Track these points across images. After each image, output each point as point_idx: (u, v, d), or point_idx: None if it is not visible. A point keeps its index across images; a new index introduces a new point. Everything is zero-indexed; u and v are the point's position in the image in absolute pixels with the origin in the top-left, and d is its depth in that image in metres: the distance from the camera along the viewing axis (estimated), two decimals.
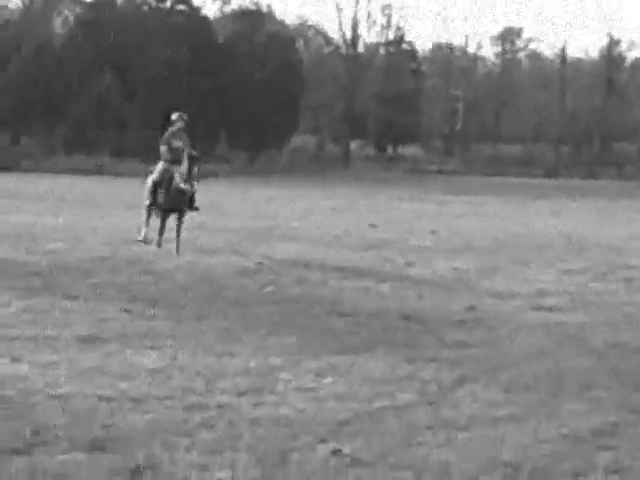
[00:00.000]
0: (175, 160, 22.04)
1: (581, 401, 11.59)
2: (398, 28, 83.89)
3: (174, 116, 23.27)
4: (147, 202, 22.91)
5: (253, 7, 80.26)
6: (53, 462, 8.60)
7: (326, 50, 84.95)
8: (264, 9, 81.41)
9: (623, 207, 47.46)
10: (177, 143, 22.54)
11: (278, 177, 59.59)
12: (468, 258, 24.25)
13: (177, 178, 21.59)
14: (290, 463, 9.10)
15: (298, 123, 79.38)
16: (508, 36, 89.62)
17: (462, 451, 9.54)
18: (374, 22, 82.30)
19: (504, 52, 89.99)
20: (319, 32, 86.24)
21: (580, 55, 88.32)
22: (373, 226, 30.74)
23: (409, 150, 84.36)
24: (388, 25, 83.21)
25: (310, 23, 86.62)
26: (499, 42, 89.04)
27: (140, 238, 23.54)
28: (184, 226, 24.05)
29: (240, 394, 11.45)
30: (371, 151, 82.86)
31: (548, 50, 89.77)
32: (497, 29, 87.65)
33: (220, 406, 10.89)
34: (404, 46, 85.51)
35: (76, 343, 13.62)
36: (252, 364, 12.87)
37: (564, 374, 12.69)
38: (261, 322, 15.65)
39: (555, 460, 9.49)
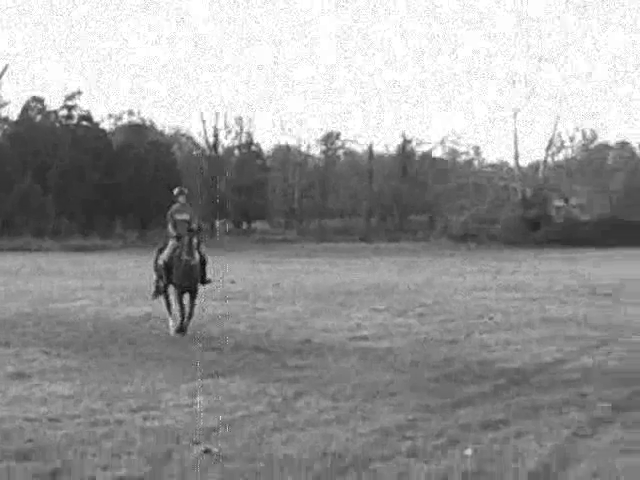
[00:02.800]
0: (182, 235, 17.50)
1: (388, 405, 11.75)
2: (248, 134, 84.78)
3: (176, 191, 18.64)
4: (162, 284, 18.08)
5: (139, 121, 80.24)
6: None
7: (195, 152, 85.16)
8: (147, 123, 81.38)
9: (418, 262, 48.19)
10: (181, 216, 18.01)
11: None
12: (304, 303, 24.37)
13: (183, 254, 17.04)
14: (173, 461, 9.13)
15: None
16: (329, 138, 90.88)
17: (301, 446, 9.62)
18: (230, 130, 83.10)
19: (327, 150, 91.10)
20: (189, 139, 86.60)
21: (383, 150, 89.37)
22: (232, 282, 30.66)
23: (259, 225, 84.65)
24: (240, 132, 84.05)
25: (182, 132, 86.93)
26: (323, 143, 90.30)
27: (172, 332, 17.84)
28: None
29: (133, 411, 11.43)
30: (231, 226, 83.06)
31: (359, 147, 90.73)
32: (321, 133, 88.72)
33: (118, 421, 10.86)
34: (253, 148, 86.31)
35: (7, 379, 13.50)
36: (142, 388, 12.84)
37: (375, 385, 12.87)
38: (150, 357, 15.62)
39: (370, 449, 9.64)
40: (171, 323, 18.07)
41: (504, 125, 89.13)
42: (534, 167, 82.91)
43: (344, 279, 34.91)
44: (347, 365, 14.75)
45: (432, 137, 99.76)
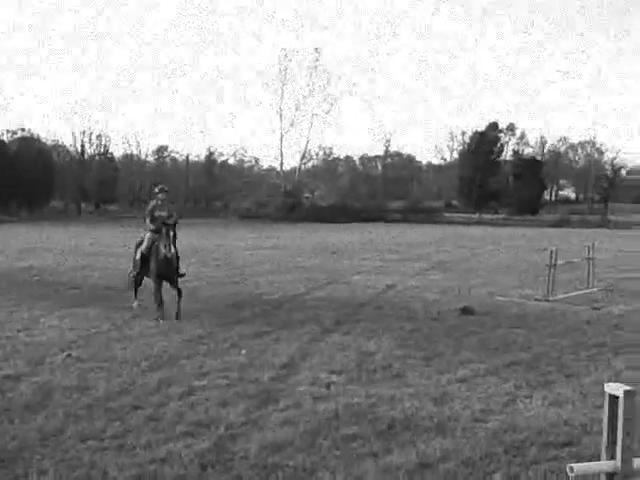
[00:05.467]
0: (159, 229, 13.09)
1: (193, 323, 11.71)
2: (105, 145, 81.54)
3: (157, 189, 14.01)
4: (135, 272, 13.74)
5: (28, 135, 75.39)
6: None
7: (68, 157, 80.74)
8: (35, 136, 76.48)
9: (217, 232, 47.71)
10: (159, 213, 13.40)
11: (46, 223, 56.24)
12: None
13: (160, 247, 12.78)
14: (45, 363, 8.82)
15: (53, 194, 75.68)
16: (160, 150, 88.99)
17: (134, 351, 9.50)
18: (92, 143, 79.73)
19: (159, 157, 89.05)
20: (63, 147, 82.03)
21: (196, 159, 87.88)
22: (91, 244, 29.53)
23: (112, 207, 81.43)
24: (100, 144, 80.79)
25: (60, 143, 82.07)
26: (156, 153, 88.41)
27: (135, 307, 13.39)
28: None
29: (19, 330, 10.94)
30: (92, 208, 79.69)
31: (180, 157, 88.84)
32: (155, 146, 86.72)
33: (7, 337, 10.38)
34: (108, 155, 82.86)
35: None
36: (26, 315, 12.27)
37: (185, 311, 12.73)
38: (32, 296, 14.93)
39: (179, 351, 9.60)
40: (135, 304, 13.46)
41: (275, 143, 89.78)
42: (293, 171, 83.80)
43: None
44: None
45: (228, 150, 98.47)
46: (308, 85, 78.56)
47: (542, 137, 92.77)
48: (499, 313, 13.38)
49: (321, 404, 7.25)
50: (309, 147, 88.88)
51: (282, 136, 79.62)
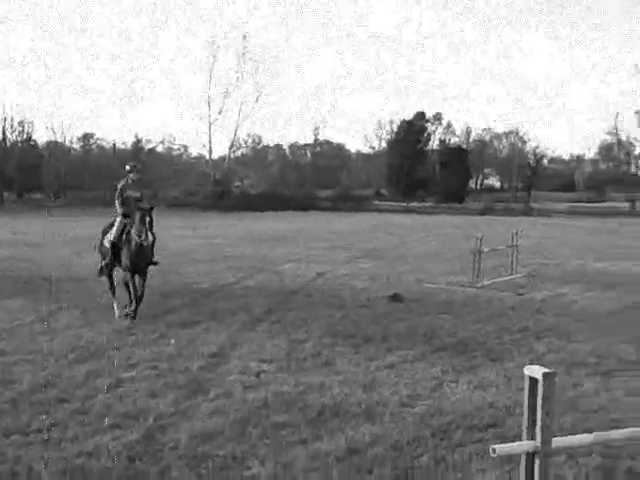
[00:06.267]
0: (131, 213, 11.34)
1: (122, 313, 11.57)
2: (28, 133, 79.09)
3: (127, 167, 12.02)
4: (105, 262, 11.78)
5: None
6: None
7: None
8: None
9: None
10: (133, 193, 11.68)
11: None
12: (73, 247, 23.22)
13: (133, 233, 11.04)
14: None
15: None
16: (86, 137, 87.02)
17: (60, 343, 9.31)
18: (14, 130, 77.13)
19: (84, 145, 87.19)
20: None
21: (123, 146, 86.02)
22: (14, 234, 28.66)
23: (35, 195, 79.04)
24: (22, 131, 78.25)
25: None
26: (82, 140, 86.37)
27: (117, 316, 11.28)
28: None
29: None
30: (14, 197, 77.34)
31: (107, 144, 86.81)
32: (81, 132, 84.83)
33: None
34: (31, 142, 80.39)
35: None
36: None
37: (119, 300, 12.51)
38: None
39: (107, 342, 9.45)
40: (116, 305, 11.66)
41: (204, 130, 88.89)
42: (222, 159, 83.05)
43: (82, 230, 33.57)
44: (92, 287, 14.23)
45: (156, 137, 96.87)
46: (237, 72, 78.00)
47: (468, 127, 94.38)
48: (427, 300, 13.61)
49: (251, 393, 7.25)
50: (238, 135, 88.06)
51: (211, 124, 78.81)
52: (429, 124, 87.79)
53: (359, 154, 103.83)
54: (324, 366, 8.44)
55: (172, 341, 9.56)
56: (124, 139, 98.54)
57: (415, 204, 76.71)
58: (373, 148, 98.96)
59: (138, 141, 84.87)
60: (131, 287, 11.33)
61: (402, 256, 22.69)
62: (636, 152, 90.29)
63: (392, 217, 57.02)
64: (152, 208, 11.17)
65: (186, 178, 78.72)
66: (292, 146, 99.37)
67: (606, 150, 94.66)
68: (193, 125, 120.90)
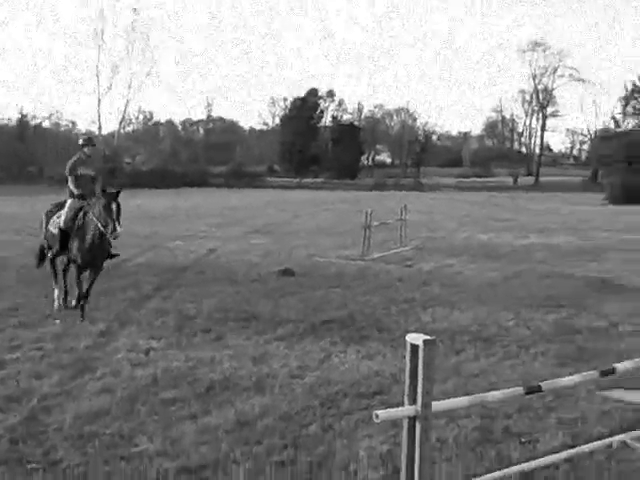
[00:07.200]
0: (86, 194, 9.49)
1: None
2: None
3: (81, 141, 9.99)
4: (53, 252, 9.86)
5: None
6: None
7: None
8: None
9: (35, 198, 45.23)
10: (85, 170, 9.73)
11: None
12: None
13: (96, 222, 9.01)
14: None
15: None
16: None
17: None
18: None
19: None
20: None
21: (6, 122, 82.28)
22: None
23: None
24: None
25: None
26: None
27: (56, 307, 9.85)
28: None
29: None
30: None
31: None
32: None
33: None
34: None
35: None
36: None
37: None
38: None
39: None
40: (56, 294, 10.00)
41: (93, 105, 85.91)
42: (112, 135, 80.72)
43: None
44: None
45: (42, 113, 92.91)
46: (126, 46, 75.77)
47: (359, 103, 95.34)
48: (318, 274, 13.75)
49: (139, 370, 7.14)
50: (128, 110, 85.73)
51: (99, 100, 76.40)
52: (322, 101, 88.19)
53: (252, 130, 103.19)
54: (214, 341, 8.40)
55: (57, 321, 9.27)
56: (9, 115, 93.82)
57: (308, 180, 77.18)
58: (267, 125, 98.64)
59: (23, 117, 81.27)
60: (78, 281, 9.52)
61: (294, 231, 22.81)
62: (519, 129, 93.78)
63: (285, 193, 57.16)
64: (119, 192, 9.17)
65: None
66: (184, 122, 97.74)
67: (491, 127, 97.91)
68: (82, 100, 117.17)
